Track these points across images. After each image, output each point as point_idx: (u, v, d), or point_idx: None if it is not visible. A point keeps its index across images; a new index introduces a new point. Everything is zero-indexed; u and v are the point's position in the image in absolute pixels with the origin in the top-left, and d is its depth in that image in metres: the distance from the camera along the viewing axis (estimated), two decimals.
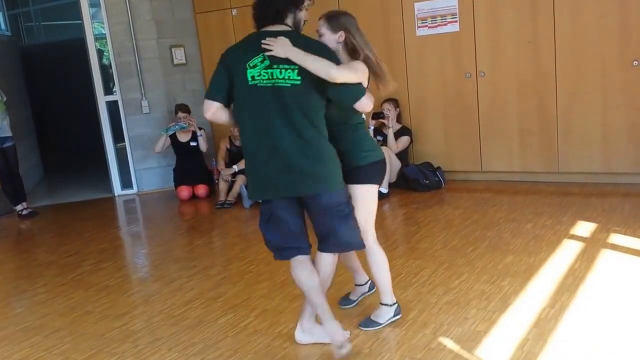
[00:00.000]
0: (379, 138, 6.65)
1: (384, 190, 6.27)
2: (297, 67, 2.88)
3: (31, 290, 4.66)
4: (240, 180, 6.72)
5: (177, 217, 6.79)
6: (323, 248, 3.20)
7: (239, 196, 6.70)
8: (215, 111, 3.01)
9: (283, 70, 2.90)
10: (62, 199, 8.00)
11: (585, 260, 4.09)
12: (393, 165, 6.42)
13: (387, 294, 3.44)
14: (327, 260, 3.23)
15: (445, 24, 6.43)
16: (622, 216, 4.96)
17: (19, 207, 7.17)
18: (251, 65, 2.92)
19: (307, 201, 3.06)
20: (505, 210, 5.48)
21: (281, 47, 2.87)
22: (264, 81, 2.91)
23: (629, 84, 5.67)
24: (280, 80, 2.91)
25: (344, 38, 3.20)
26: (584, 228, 4.76)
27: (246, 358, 3.24)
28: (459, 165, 6.70)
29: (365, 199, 3.21)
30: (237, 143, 7.09)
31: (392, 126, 6.53)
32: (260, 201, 3.16)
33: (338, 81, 2.88)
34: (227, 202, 6.68)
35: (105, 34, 7.66)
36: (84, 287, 4.59)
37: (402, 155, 6.59)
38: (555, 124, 6.08)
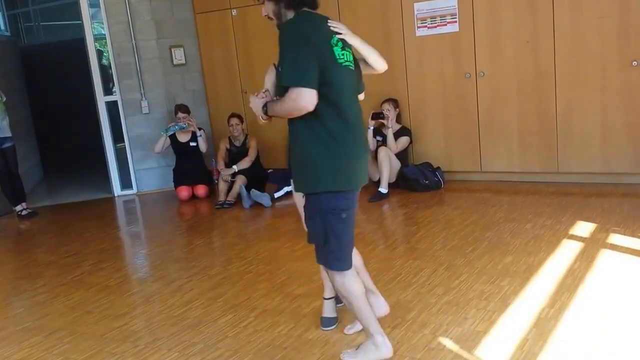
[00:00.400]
0: (379, 138, 6.65)
1: (384, 190, 6.28)
2: (351, 51, 2.92)
3: (31, 290, 4.66)
4: (240, 180, 6.72)
5: (177, 218, 6.79)
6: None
7: (239, 196, 6.70)
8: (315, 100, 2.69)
9: (348, 54, 2.88)
10: (62, 200, 8.00)
11: (585, 260, 4.10)
12: (393, 166, 6.42)
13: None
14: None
15: (445, 24, 6.43)
16: (621, 216, 4.96)
17: (18, 208, 7.17)
18: (334, 43, 2.82)
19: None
20: (505, 210, 5.48)
21: (349, 32, 2.88)
22: (346, 62, 2.85)
23: (628, 84, 5.68)
24: (350, 63, 2.89)
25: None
26: (584, 228, 4.77)
27: (246, 358, 3.24)
28: (458, 165, 6.71)
29: None
30: (237, 143, 7.09)
31: (391, 126, 6.53)
32: (328, 194, 2.84)
33: (383, 70, 3.10)
34: (227, 202, 6.68)
35: (104, 34, 7.66)
36: (84, 287, 4.59)
37: (401, 156, 6.59)
38: (554, 124, 6.08)
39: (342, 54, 2.82)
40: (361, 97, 3.09)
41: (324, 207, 2.83)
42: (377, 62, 3.05)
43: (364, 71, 3.08)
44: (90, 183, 8.68)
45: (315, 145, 2.78)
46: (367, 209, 6.06)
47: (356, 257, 3.22)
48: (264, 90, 2.91)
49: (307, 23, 2.81)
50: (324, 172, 2.79)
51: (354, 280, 2.94)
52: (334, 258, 2.88)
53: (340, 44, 2.83)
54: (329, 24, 2.85)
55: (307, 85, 2.63)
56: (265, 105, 2.83)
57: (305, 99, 2.64)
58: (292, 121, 2.83)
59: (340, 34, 2.84)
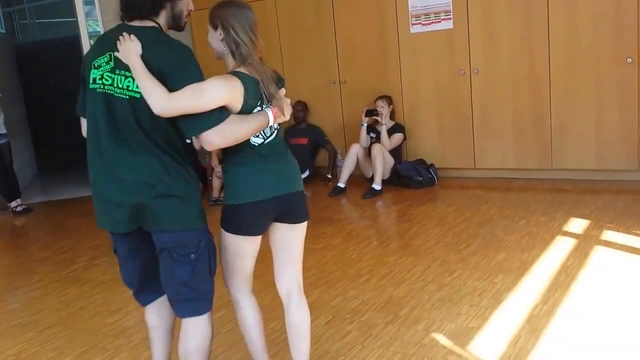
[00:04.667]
0: (372, 135, 6.66)
1: (378, 187, 6.29)
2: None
3: (26, 286, 4.66)
4: None
5: None
6: None
7: None
8: None
9: (123, 78, 2.30)
10: (57, 196, 7.99)
11: (578, 257, 4.12)
12: (386, 162, 6.43)
13: None
14: None
15: (439, 21, 6.44)
16: (615, 213, 4.98)
17: (13, 204, 7.16)
18: (96, 65, 2.36)
19: None
20: (499, 207, 5.50)
21: (126, 50, 2.29)
22: (105, 88, 2.34)
23: (622, 81, 5.70)
24: (112, 89, 2.32)
25: (222, 38, 2.49)
26: (577, 225, 4.78)
27: (240, 354, 3.24)
28: (452, 162, 6.72)
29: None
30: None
31: (385, 123, 6.54)
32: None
33: (165, 115, 2.24)
34: (221, 199, 6.68)
35: (99, 32, 7.64)
36: (78, 283, 4.59)
37: (395, 152, 6.60)
38: (549, 121, 6.10)
39: (104, 77, 2.32)
40: (203, 142, 2.34)
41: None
42: (151, 105, 2.25)
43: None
44: (84, 179, 8.53)
45: None
46: (361, 205, 6.07)
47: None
48: None
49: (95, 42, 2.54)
50: None
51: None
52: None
53: (109, 65, 2.32)
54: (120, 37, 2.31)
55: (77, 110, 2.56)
56: None
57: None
58: None
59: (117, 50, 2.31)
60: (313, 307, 3.62)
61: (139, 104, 2.27)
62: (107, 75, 2.32)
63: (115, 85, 2.30)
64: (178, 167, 2.36)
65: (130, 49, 2.27)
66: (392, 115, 6.75)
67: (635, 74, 5.64)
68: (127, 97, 2.28)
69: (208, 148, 2.34)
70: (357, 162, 6.61)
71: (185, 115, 2.26)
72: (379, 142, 6.51)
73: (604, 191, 5.70)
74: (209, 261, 2.44)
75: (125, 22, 2.42)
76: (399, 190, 6.41)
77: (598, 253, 4.17)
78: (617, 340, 3.01)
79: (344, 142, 7.20)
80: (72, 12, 7.63)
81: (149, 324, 2.72)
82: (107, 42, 2.37)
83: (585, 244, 4.36)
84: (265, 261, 4.67)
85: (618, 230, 4.56)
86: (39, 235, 6.39)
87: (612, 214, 4.98)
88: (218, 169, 6.84)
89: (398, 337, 3.24)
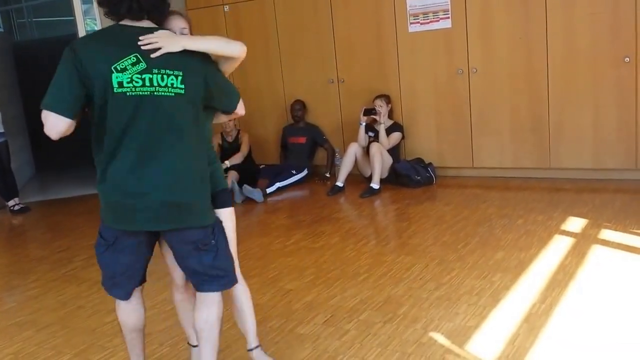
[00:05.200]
0: (371, 134, 6.66)
1: (376, 186, 6.29)
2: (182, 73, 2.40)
3: (23, 285, 4.65)
4: (232, 175, 6.71)
5: None
6: None
7: (231, 192, 6.69)
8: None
9: (160, 78, 2.37)
10: (54, 195, 7.98)
11: (576, 255, 4.12)
12: (385, 161, 6.43)
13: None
14: None
15: (438, 20, 6.44)
16: (612, 212, 4.99)
17: (11, 203, 7.15)
18: (119, 68, 2.33)
19: None
20: (497, 206, 5.50)
21: (167, 41, 2.39)
22: (136, 91, 2.35)
23: (620, 80, 5.70)
24: (152, 89, 2.38)
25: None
26: (575, 224, 4.79)
27: (237, 353, 3.24)
28: (450, 161, 6.72)
29: None
30: (229, 139, 7.09)
31: (383, 122, 6.54)
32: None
33: (244, 54, 2.55)
34: None
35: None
36: (76, 282, 4.58)
37: (393, 151, 6.60)
38: (547, 120, 6.10)
39: (132, 80, 2.33)
40: (241, 111, 2.69)
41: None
42: (228, 50, 2.53)
43: (227, 66, 2.62)
44: (82, 179, 8.64)
45: None
46: (359, 204, 6.07)
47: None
48: None
49: (92, 39, 2.48)
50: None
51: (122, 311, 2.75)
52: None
53: (139, 66, 2.34)
54: (140, 39, 2.36)
55: (52, 109, 2.38)
56: None
57: (47, 124, 2.41)
58: None
59: (156, 50, 2.36)
60: (311, 306, 3.64)
61: (182, 100, 2.39)
62: (137, 78, 2.33)
63: (154, 85, 2.35)
64: (205, 162, 2.55)
65: (171, 38, 2.41)
66: (390, 115, 6.75)
67: (632, 73, 5.64)
68: (174, 94, 2.37)
69: (235, 117, 2.75)
70: (356, 161, 6.61)
71: (226, 91, 2.60)
72: (377, 141, 6.51)
73: (602, 190, 5.71)
74: (225, 240, 2.62)
75: (127, 22, 2.43)
76: (397, 189, 6.41)
77: (596, 252, 4.17)
78: (615, 339, 3.01)
79: (342, 141, 7.20)
80: (70, 11, 7.63)
81: (133, 325, 2.77)
82: (122, 46, 2.36)
83: (583, 242, 4.36)
84: (263, 259, 4.69)
85: (616, 229, 4.57)
86: (36, 234, 6.38)
87: (609, 212, 4.98)
88: None
89: (396, 336, 3.24)
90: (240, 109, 2.68)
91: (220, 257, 2.59)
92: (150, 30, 2.41)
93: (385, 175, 6.49)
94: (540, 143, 6.18)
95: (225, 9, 7.65)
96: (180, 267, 2.67)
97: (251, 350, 2.97)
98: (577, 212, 5.07)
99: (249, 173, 6.94)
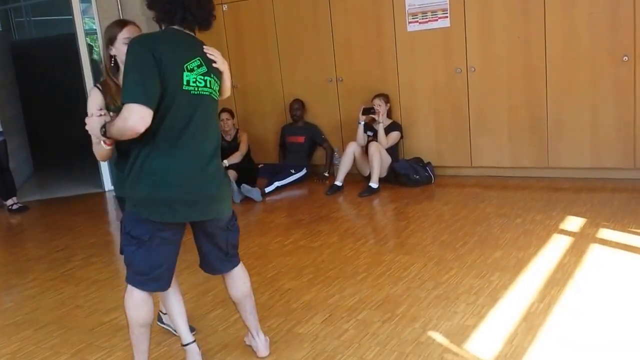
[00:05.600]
0: (369, 133, 6.66)
1: (375, 185, 6.29)
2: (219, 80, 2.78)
3: (21, 284, 4.65)
4: (231, 175, 6.71)
5: None
6: None
7: None
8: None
9: (213, 82, 2.73)
10: (52, 194, 7.97)
11: (575, 255, 4.12)
12: (383, 161, 6.43)
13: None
14: None
15: (436, 20, 6.44)
16: (611, 211, 4.99)
17: (9, 202, 7.15)
18: (188, 68, 2.61)
19: None
20: (495, 205, 5.50)
21: (222, 60, 2.78)
22: (200, 88, 2.66)
23: (619, 79, 5.70)
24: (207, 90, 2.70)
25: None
26: (574, 223, 4.79)
27: (236, 352, 3.24)
28: (449, 160, 6.72)
29: None
30: (228, 138, 7.08)
31: (382, 121, 6.53)
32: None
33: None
34: None
35: (95, 29, 7.63)
36: (74, 281, 4.58)
37: (392, 151, 6.60)
38: (545, 119, 6.10)
39: (197, 80, 2.63)
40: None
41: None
42: (228, 89, 2.92)
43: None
44: (80, 178, 8.65)
45: None
46: (358, 203, 6.07)
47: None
48: (100, 110, 2.71)
49: (160, 39, 2.63)
50: None
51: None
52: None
53: (202, 69, 2.65)
54: (204, 49, 2.70)
55: (143, 102, 2.43)
56: (104, 127, 2.62)
57: (135, 117, 2.43)
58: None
59: (214, 61, 2.72)
60: (310, 306, 3.64)
61: (216, 104, 2.78)
62: (200, 78, 2.63)
63: (209, 87, 2.68)
64: None
65: (222, 57, 2.77)
66: (389, 114, 6.74)
67: (631, 73, 5.64)
68: (216, 98, 2.76)
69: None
70: (354, 161, 6.60)
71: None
72: (376, 141, 6.50)
73: (600, 189, 5.71)
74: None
75: (184, 29, 2.68)
76: (395, 189, 6.41)
77: (594, 251, 4.17)
78: (613, 338, 3.01)
79: (341, 141, 7.20)
80: (69, 10, 7.61)
81: (145, 320, 2.82)
82: (188, 48, 2.65)
83: (581, 241, 4.36)
84: (262, 258, 4.68)
85: (614, 228, 4.57)
86: (34, 234, 6.37)
87: (608, 212, 4.98)
88: None
89: (395, 336, 3.24)
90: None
91: (237, 235, 2.98)
92: (199, 40, 2.74)
93: (384, 174, 6.49)
94: (539, 142, 6.18)
95: (224, 8, 7.64)
96: (205, 247, 2.91)
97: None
98: (575, 211, 5.07)
99: (248, 172, 6.94)
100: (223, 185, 2.78)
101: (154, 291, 2.82)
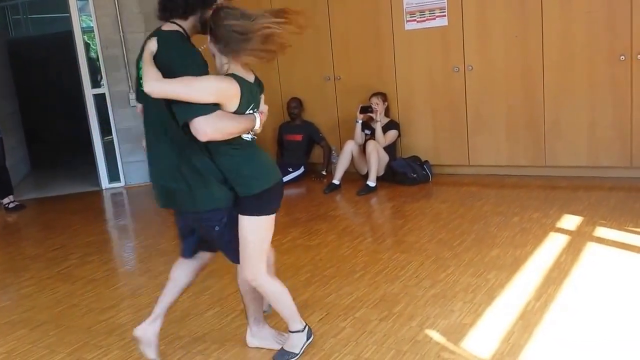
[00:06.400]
0: (367, 132, 6.65)
1: (372, 183, 6.29)
2: None
3: (17, 283, 4.63)
4: None
5: (165, 211, 6.74)
6: None
7: None
8: None
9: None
10: (49, 192, 7.95)
11: (571, 253, 4.12)
12: (381, 159, 6.43)
13: (296, 321, 3.09)
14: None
15: (434, 18, 6.43)
16: (607, 209, 4.99)
17: (5, 200, 7.12)
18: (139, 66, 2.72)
19: None
20: (492, 203, 5.50)
21: (146, 56, 2.63)
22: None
23: (616, 78, 5.70)
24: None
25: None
26: (570, 221, 4.79)
27: (233, 351, 3.24)
28: (446, 159, 6.72)
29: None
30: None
31: (380, 120, 6.53)
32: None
33: (153, 95, 2.55)
34: None
35: (92, 27, 7.61)
36: (71, 280, 4.57)
37: (390, 149, 6.60)
38: (542, 118, 6.10)
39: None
40: (194, 131, 2.59)
41: None
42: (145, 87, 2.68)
43: None
44: (77, 176, 8.63)
45: None
46: (356, 202, 6.06)
47: None
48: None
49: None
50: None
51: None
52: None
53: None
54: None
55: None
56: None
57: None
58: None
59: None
60: (307, 304, 3.63)
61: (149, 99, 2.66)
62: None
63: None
64: None
65: (147, 48, 2.63)
66: (386, 112, 6.74)
67: (628, 72, 5.64)
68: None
69: (201, 138, 2.55)
70: (352, 159, 6.60)
71: (181, 101, 2.52)
72: (374, 139, 6.50)
73: (597, 188, 5.71)
74: None
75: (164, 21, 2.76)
76: (393, 187, 6.41)
77: (591, 249, 4.17)
78: (609, 336, 3.01)
79: (339, 139, 7.19)
80: (66, 8, 7.59)
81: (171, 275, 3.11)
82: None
83: (578, 240, 4.36)
84: None
85: (611, 227, 4.57)
86: (31, 232, 6.36)
87: (604, 210, 4.99)
88: None
89: (392, 334, 3.23)
90: (202, 127, 2.57)
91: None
92: (158, 34, 2.79)
93: (381, 173, 6.49)
94: (536, 141, 6.18)
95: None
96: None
97: None
98: (572, 209, 5.07)
99: None
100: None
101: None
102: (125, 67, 7.63)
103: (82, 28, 7.66)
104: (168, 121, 2.64)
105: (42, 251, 5.41)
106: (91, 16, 7.57)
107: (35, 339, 3.61)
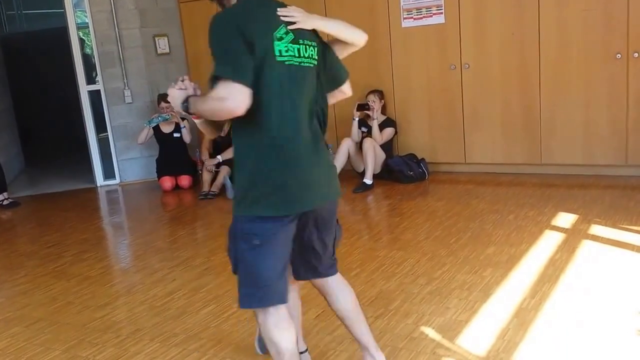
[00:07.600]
0: (364, 129, 6.65)
1: (369, 181, 6.29)
2: (316, 45, 2.40)
3: (12, 280, 4.62)
4: (224, 170, 6.69)
5: (160, 208, 6.76)
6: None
7: (223, 187, 6.67)
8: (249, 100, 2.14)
9: (308, 47, 2.36)
10: (44, 190, 7.93)
11: (566, 251, 4.13)
12: (377, 157, 6.43)
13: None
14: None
15: (431, 16, 6.43)
16: (602, 208, 5.00)
17: (0, 197, 7.10)
18: (278, 37, 2.25)
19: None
20: (488, 201, 5.51)
21: (305, 17, 2.37)
22: (293, 59, 2.29)
23: (612, 76, 5.71)
24: (305, 60, 2.34)
25: None
26: (566, 219, 4.80)
27: (228, 348, 3.23)
28: (442, 156, 6.72)
29: None
30: (222, 133, 7.05)
31: (376, 118, 6.53)
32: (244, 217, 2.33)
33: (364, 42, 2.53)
34: (211, 192, 6.65)
35: (87, 23, 7.59)
36: (66, 277, 4.56)
37: (386, 147, 6.60)
38: (538, 116, 6.11)
39: (289, 49, 2.27)
40: (347, 91, 2.67)
41: (237, 231, 2.39)
42: (353, 37, 2.58)
43: (343, 52, 2.62)
44: (72, 173, 8.61)
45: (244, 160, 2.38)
46: (352, 199, 6.06)
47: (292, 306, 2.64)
48: (182, 79, 2.35)
49: (244, 10, 2.26)
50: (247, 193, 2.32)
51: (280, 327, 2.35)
52: (241, 292, 2.36)
53: (290, 36, 2.28)
54: (278, 12, 2.30)
55: (240, 80, 2.10)
56: (186, 100, 2.29)
57: (236, 98, 2.10)
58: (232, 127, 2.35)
59: (293, 22, 2.30)
60: (303, 301, 3.59)
61: (314, 71, 2.38)
62: (291, 47, 2.27)
63: (302, 55, 2.31)
64: None
65: (306, 15, 2.38)
66: (383, 110, 6.73)
67: (624, 70, 5.65)
68: (313, 65, 2.36)
69: (340, 98, 2.69)
70: (349, 157, 6.60)
71: (336, 70, 2.55)
72: (371, 137, 6.49)
73: (592, 186, 5.72)
74: None
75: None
76: (389, 185, 6.41)
77: (586, 247, 4.18)
78: (604, 333, 3.02)
79: (336, 137, 7.18)
80: (60, 3, 7.57)
81: (291, 344, 2.37)
82: (270, 16, 2.28)
83: (573, 238, 4.37)
84: None
85: (605, 225, 4.58)
86: (25, 229, 6.34)
87: (599, 208, 5.00)
88: (209, 163, 6.81)
89: (388, 331, 3.23)
90: (348, 89, 2.64)
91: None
92: (284, 5, 2.37)
93: (378, 170, 6.49)
94: (532, 139, 6.19)
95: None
96: (316, 246, 2.52)
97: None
98: (567, 207, 5.08)
99: None
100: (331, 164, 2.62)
101: (278, 304, 2.36)
102: (121, 63, 7.61)
103: (77, 24, 7.64)
104: (315, 94, 2.40)
105: (37, 248, 5.39)
106: (86, 12, 7.55)
107: (30, 336, 3.59)
